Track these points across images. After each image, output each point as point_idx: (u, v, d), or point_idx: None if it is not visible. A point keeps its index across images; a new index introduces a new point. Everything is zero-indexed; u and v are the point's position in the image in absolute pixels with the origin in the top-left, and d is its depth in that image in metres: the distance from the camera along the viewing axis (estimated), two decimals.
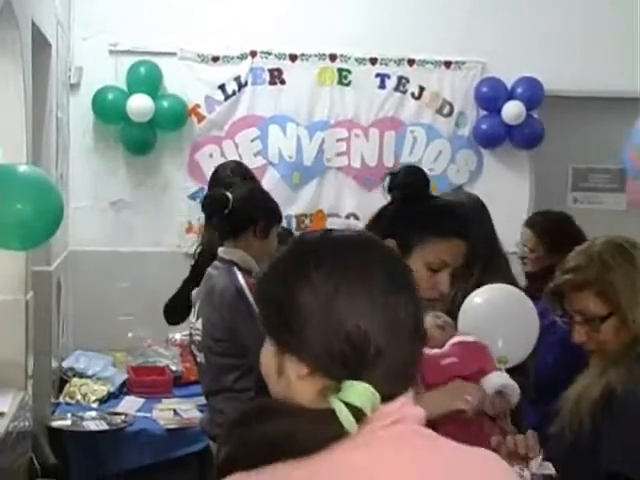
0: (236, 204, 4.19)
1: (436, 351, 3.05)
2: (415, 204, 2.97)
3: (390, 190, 3.03)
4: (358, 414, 1.57)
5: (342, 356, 1.61)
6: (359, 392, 1.59)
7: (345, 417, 1.56)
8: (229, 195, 4.23)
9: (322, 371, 1.62)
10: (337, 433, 1.57)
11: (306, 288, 1.64)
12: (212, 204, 4.28)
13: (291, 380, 1.63)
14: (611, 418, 2.63)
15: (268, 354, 1.70)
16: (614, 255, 2.77)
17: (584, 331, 2.78)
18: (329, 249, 1.72)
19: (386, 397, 1.62)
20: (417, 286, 1.98)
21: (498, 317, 3.27)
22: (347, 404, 1.57)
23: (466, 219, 3.57)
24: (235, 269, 4.11)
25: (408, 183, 2.99)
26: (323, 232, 1.80)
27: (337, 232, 1.79)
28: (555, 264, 4.18)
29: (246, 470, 1.60)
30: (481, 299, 3.35)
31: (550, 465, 2.67)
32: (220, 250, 4.25)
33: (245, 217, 4.20)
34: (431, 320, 3.21)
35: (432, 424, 2.48)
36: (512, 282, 3.91)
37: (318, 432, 1.57)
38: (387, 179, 3.03)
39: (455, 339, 3.11)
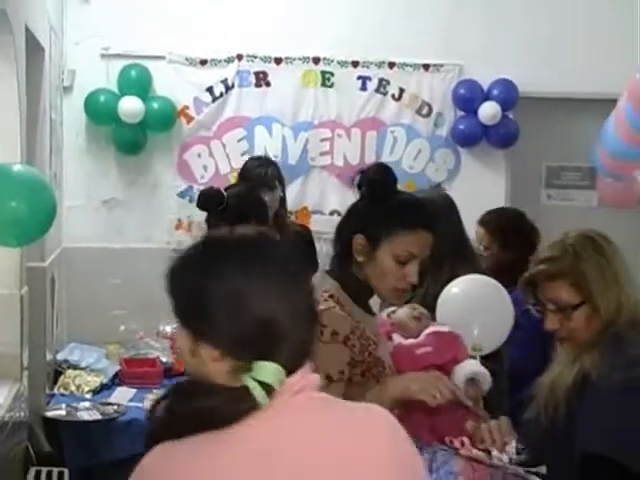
0: (230, 202, 4.25)
1: (411, 341, 3.13)
2: (382, 200, 3.00)
3: (359, 187, 3.07)
4: (269, 389, 1.73)
5: (252, 341, 1.75)
6: (269, 371, 1.75)
7: (259, 393, 1.73)
8: (224, 192, 4.30)
9: (233, 354, 1.75)
10: (252, 407, 1.74)
11: (217, 280, 1.77)
12: (206, 201, 4.33)
13: (204, 361, 1.77)
14: (586, 403, 2.68)
15: (181, 339, 1.83)
16: (586, 247, 2.82)
17: (557, 319, 2.83)
18: (236, 244, 1.88)
19: (290, 372, 1.79)
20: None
21: (474, 306, 3.37)
22: (259, 382, 1.73)
23: (432, 212, 3.63)
24: None
25: (375, 180, 3.02)
26: (228, 230, 1.93)
27: (241, 230, 1.93)
28: (510, 260, 4.33)
29: (171, 440, 1.74)
30: (458, 289, 3.45)
31: (514, 443, 2.84)
32: None
33: (238, 215, 4.14)
34: (407, 311, 3.30)
35: (405, 406, 2.77)
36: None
37: (236, 407, 1.72)
38: (357, 177, 3.07)
39: (430, 329, 3.17)
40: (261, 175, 5.20)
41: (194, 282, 1.83)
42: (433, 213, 3.79)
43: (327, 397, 1.96)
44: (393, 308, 3.37)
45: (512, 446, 2.86)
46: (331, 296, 2.93)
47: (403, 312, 3.31)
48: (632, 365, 2.64)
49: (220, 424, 1.73)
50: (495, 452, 2.78)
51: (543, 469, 2.71)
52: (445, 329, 3.19)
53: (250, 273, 1.82)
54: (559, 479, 2.74)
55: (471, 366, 3.05)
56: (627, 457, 2.57)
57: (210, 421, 1.74)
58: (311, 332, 1.90)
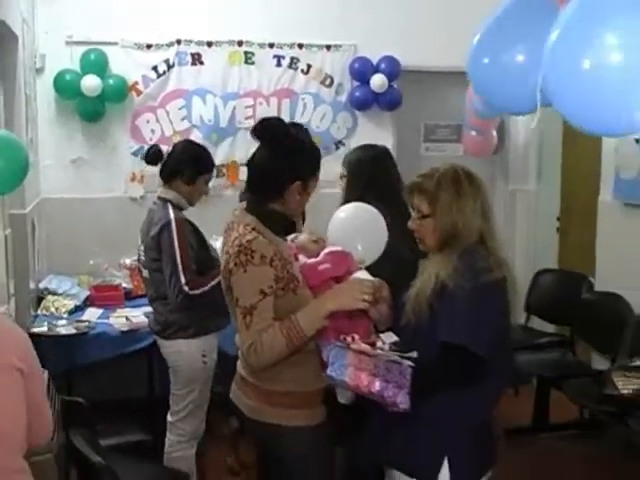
0: (168, 157, 4.46)
1: (313, 260, 3.27)
2: (302, 150, 3.13)
3: (261, 137, 3.14)
4: None
5: None
6: None
7: None
8: (162, 149, 4.50)
9: None
10: None
11: None
12: (150, 157, 4.52)
13: None
14: (445, 305, 2.83)
15: None
16: (447, 178, 2.97)
17: (417, 223, 3.03)
18: None
19: None
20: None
21: (357, 227, 3.50)
22: None
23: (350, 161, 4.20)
24: (169, 205, 4.34)
25: (296, 136, 3.15)
26: None
27: None
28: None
29: None
30: (344, 214, 3.57)
31: (393, 334, 2.99)
32: (159, 190, 4.48)
33: (173, 167, 4.44)
34: (307, 237, 3.50)
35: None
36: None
37: None
38: (253, 130, 3.14)
39: (327, 249, 3.32)
40: None
41: None
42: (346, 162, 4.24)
43: None
44: (295, 235, 3.45)
45: (388, 334, 3.00)
46: (253, 228, 3.02)
47: (304, 237, 3.49)
48: (478, 275, 2.81)
49: None
50: (379, 343, 2.89)
51: (415, 354, 2.78)
52: (338, 248, 3.31)
53: None
54: (426, 363, 2.77)
55: (362, 275, 3.18)
56: (476, 345, 2.76)
57: None
58: None
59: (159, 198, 4.44)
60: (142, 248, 4.47)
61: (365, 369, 2.80)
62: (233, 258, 2.96)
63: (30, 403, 2.23)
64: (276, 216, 3.12)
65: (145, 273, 4.51)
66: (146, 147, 6.27)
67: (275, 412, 3.11)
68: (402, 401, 2.72)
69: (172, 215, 4.29)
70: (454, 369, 2.82)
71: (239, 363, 3.30)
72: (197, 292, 4.17)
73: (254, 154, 3.18)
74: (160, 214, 4.33)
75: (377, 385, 2.75)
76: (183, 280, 4.19)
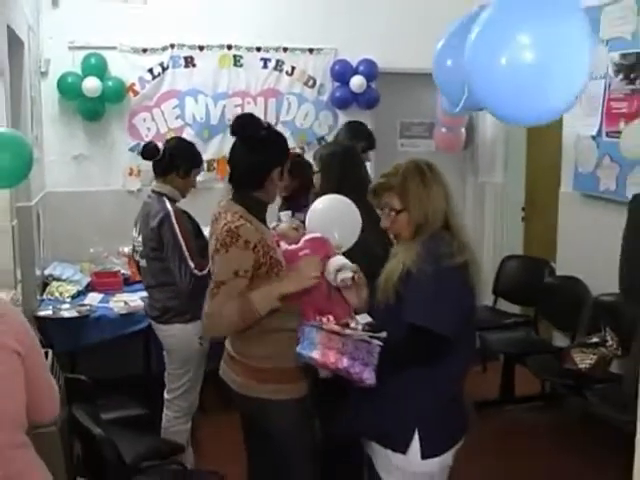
0: (164, 153, 4.44)
1: (294, 246, 3.28)
2: (275, 141, 3.20)
3: (236, 133, 3.20)
4: None
5: None
6: None
7: None
8: (159, 146, 4.47)
9: None
10: None
11: None
12: (146, 153, 4.51)
13: None
14: (409, 289, 2.86)
15: None
16: (412, 171, 2.97)
17: (388, 220, 3.02)
18: None
19: None
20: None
21: (334, 216, 3.49)
22: None
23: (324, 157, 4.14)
24: (165, 199, 4.35)
25: (273, 129, 3.25)
26: None
27: None
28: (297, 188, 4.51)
29: None
30: (322, 205, 3.56)
31: (367, 315, 3.05)
32: (153, 184, 4.48)
33: (170, 162, 4.43)
34: (287, 225, 3.50)
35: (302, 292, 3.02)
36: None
37: None
38: (231, 126, 3.20)
39: (306, 236, 3.33)
40: None
41: None
42: (320, 158, 4.21)
43: None
44: (276, 223, 3.52)
45: (362, 316, 3.06)
46: (241, 216, 3.07)
47: (284, 225, 3.49)
48: (440, 259, 2.82)
49: None
50: (353, 324, 2.93)
51: (384, 334, 2.81)
52: (317, 235, 3.31)
53: None
54: (394, 343, 2.80)
55: (339, 260, 3.18)
56: (439, 325, 2.78)
57: None
58: None
59: (153, 192, 4.44)
60: (139, 239, 4.46)
61: (334, 347, 2.83)
62: (220, 240, 3.02)
63: (31, 383, 2.23)
64: (260, 204, 3.19)
65: (142, 262, 4.49)
66: (142, 144, 6.35)
67: (261, 387, 3.16)
68: (368, 377, 2.74)
69: (170, 207, 4.29)
70: (419, 348, 2.84)
71: (227, 343, 3.36)
72: (204, 272, 4.15)
73: (233, 150, 3.24)
74: (157, 207, 4.32)
75: (344, 362, 2.78)
76: (192, 265, 4.22)
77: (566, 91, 2.58)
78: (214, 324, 3.06)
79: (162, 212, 4.28)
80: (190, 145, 4.65)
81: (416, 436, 2.89)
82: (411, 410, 2.92)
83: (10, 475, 2.10)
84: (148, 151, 4.50)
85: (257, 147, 3.16)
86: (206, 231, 3.91)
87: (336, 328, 2.89)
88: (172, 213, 4.27)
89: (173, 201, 4.39)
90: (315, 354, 2.88)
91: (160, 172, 4.46)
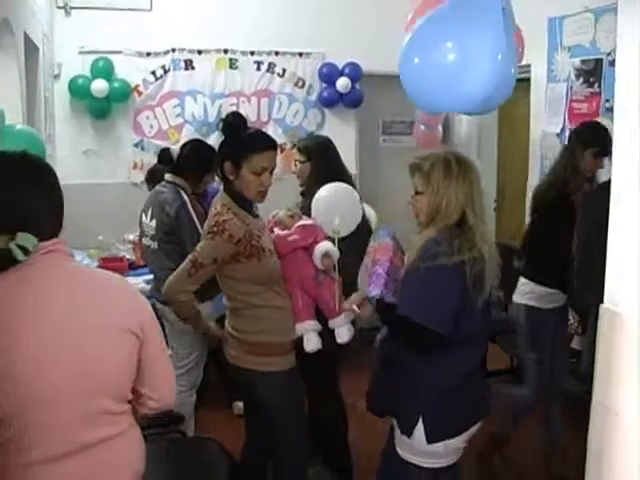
0: (181, 158, 4.35)
1: (285, 232, 3.30)
2: (235, 134, 3.10)
3: (219, 128, 3.19)
4: (24, 250, 1.90)
5: (11, 222, 1.93)
6: (25, 239, 1.91)
7: (16, 252, 1.90)
8: (172, 153, 4.37)
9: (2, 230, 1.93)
10: (15, 261, 1.91)
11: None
12: (163, 158, 4.43)
13: None
14: (404, 284, 2.87)
15: None
16: (439, 162, 2.87)
17: (414, 199, 2.94)
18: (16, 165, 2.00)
19: (45, 239, 1.96)
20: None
21: (335, 202, 3.51)
22: (19, 246, 1.90)
23: (308, 149, 4.06)
24: (179, 189, 4.27)
25: (229, 122, 3.12)
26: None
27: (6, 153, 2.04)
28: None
29: None
30: (325, 192, 3.57)
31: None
32: (167, 176, 4.35)
33: (183, 168, 4.33)
34: (285, 212, 3.46)
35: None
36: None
37: (4, 260, 1.90)
38: (220, 123, 3.17)
39: (298, 223, 3.34)
40: None
41: None
42: (308, 149, 4.15)
43: (76, 262, 2.15)
44: (277, 211, 3.48)
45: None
46: (229, 209, 3.07)
47: (283, 213, 3.46)
48: (436, 257, 2.73)
49: None
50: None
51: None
52: (309, 222, 3.34)
53: (13, 179, 1.97)
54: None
55: (326, 245, 3.22)
56: (420, 317, 2.73)
57: None
58: (58, 215, 2.04)
59: (168, 182, 4.36)
60: (151, 224, 4.35)
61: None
62: (209, 227, 3.06)
63: (144, 364, 2.17)
64: (242, 197, 3.15)
65: (154, 245, 4.37)
66: (146, 140, 6.71)
67: (253, 359, 3.21)
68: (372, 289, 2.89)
69: (185, 197, 4.24)
70: (410, 338, 2.84)
71: (226, 321, 3.41)
72: None
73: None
74: (172, 196, 4.25)
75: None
76: None
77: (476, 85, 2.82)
78: (176, 300, 3.25)
79: (179, 201, 4.22)
80: (207, 150, 4.41)
81: (420, 423, 2.87)
82: (415, 399, 2.90)
83: (106, 438, 2.08)
84: (164, 158, 4.44)
85: (224, 142, 3.18)
86: None
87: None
88: (188, 202, 4.23)
89: (185, 192, 4.33)
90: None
91: (177, 172, 4.39)
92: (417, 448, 2.91)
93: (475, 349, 2.95)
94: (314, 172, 4.08)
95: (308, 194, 3.94)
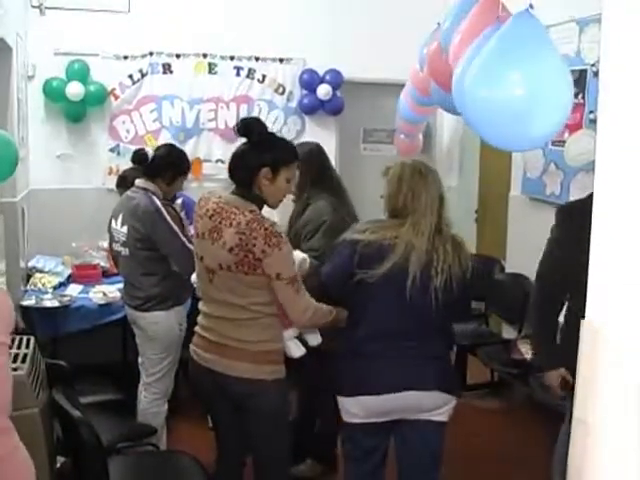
0: (154, 159, 4.40)
1: None
2: (272, 142, 3.20)
3: (243, 134, 3.19)
4: None
5: None
6: None
7: None
8: (148, 153, 4.42)
9: None
10: None
11: None
12: (136, 158, 4.46)
13: None
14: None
15: None
16: (413, 172, 3.20)
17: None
18: None
19: None
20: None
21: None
22: None
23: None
24: (150, 194, 4.30)
25: (258, 130, 3.18)
26: None
27: None
28: None
29: None
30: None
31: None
32: (138, 181, 4.39)
33: (156, 170, 4.40)
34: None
35: None
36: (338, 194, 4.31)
37: None
38: (236, 128, 3.23)
39: None
40: None
41: None
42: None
43: None
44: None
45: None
46: (262, 216, 3.12)
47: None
48: (352, 232, 3.23)
49: None
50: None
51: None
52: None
53: None
54: None
55: (296, 255, 3.33)
56: (322, 275, 3.22)
57: None
58: None
59: (138, 187, 4.39)
60: (122, 230, 4.38)
61: None
62: (269, 241, 3.05)
63: None
64: (260, 201, 3.19)
65: (125, 252, 4.41)
66: (122, 145, 6.69)
67: (263, 369, 3.23)
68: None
69: (158, 203, 4.27)
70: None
71: (208, 334, 3.36)
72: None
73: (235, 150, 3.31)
74: (145, 202, 4.28)
75: None
76: (192, 247, 4.20)
77: (548, 121, 2.84)
78: (316, 317, 3.27)
79: (152, 207, 4.26)
80: (179, 153, 4.58)
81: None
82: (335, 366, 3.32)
83: None
84: (138, 157, 4.46)
85: (253, 146, 3.20)
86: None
87: None
88: (162, 208, 4.26)
89: (157, 197, 4.36)
90: None
91: (149, 175, 4.42)
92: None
93: (368, 326, 3.23)
94: (302, 179, 4.13)
95: (299, 200, 4.26)
